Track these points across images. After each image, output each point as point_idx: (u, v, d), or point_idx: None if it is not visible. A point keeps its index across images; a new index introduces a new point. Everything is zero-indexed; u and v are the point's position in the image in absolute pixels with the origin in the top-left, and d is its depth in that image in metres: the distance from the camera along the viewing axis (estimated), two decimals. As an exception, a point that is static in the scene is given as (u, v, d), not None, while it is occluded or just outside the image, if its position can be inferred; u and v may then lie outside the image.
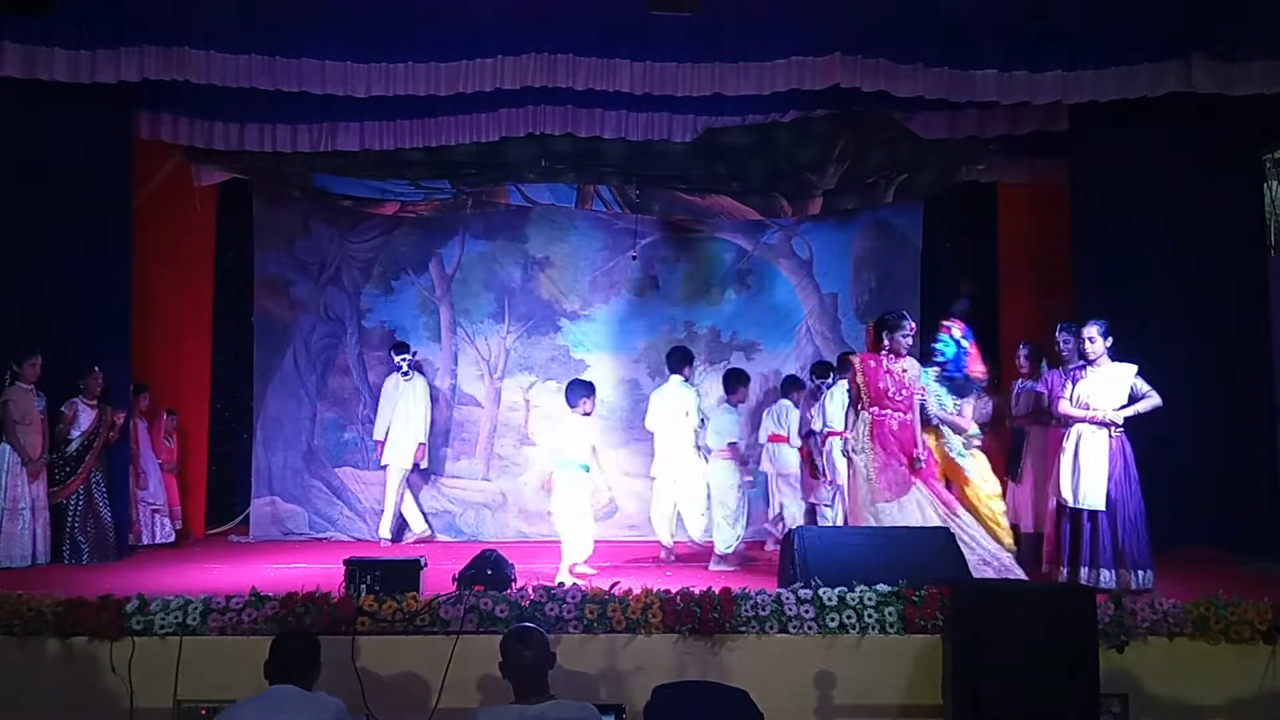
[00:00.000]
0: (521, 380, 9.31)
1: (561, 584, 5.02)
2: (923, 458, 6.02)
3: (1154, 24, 6.61)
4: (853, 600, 4.92)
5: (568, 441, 6.96)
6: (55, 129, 7.38)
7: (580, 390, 7.05)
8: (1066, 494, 6.00)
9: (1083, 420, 6.02)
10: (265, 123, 7.69)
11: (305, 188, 8.75)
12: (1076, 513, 5.96)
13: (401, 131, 7.66)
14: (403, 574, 5.15)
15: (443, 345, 9.32)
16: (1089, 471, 5.94)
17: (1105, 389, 6.03)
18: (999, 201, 9.10)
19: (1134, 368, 6.07)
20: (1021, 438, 7.50)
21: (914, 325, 6.28)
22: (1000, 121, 7.61)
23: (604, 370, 9.28)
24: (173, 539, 8.43)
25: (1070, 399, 6.11)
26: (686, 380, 7.59)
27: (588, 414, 7.01)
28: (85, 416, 7.46)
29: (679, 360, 7.62)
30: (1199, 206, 7.65)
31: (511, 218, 9.29)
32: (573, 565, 6.80)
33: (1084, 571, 5.87)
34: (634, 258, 9.24)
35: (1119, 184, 7.73)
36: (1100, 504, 5.88)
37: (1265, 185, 7.89)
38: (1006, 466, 7.71)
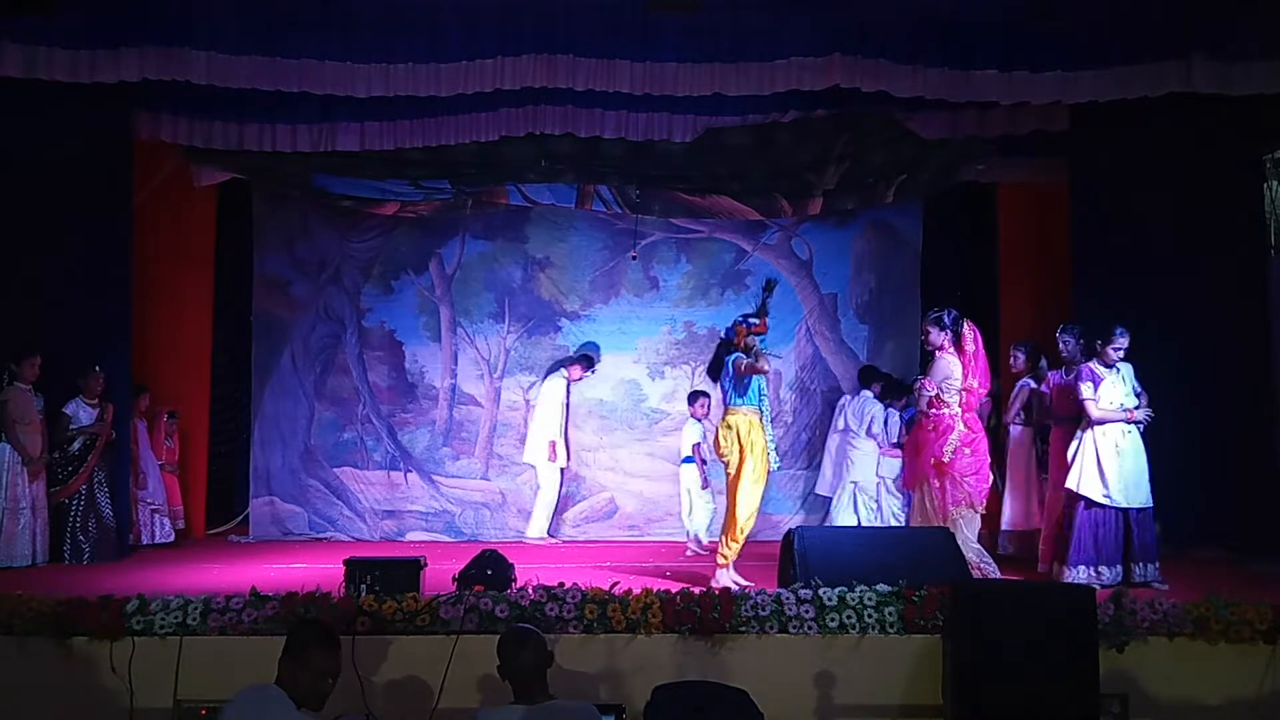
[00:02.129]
0: (521, 380, 9.29)
1: (561, 584, 5.02)
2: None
3: (1154, 24, 6.61)
4: (853, 600, 4.92)
5: (684, 440, 8.36)
6: (55, 129, 7.37)
7: (695, 396, 8.35)
8: (1116, 494, 6.04)
9: (1120, 420, 6.10)
10: (265, 123, 7.67)
11: (305, 188, 8.74)
12: (1120, 511, 6.05)
13: (401, 131, 7.64)
14: (403, 574, 5.16)
15: (443, 345, 9.30)
16: (1133, 469, 6.05)
17: (1126, 389, 6.16)
18: (999, 202, 9.08)
19: (1130, 368, 6.16)
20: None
21: (969, 327, 6.31)
22: (1000, 121, 7.59)
23: (604, 370, 9.28)
24: (173, 539, 8.42)
25: (1096, 400, 6.14)
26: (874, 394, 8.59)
27: (697, 418, 8.26)
28: (86, 417, 7.45)
29: (869, 377, 8.74)
30: (1199, 206, 7.65)
31: (511, 218, 9.28)
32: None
33: (1139, 568, 6.01)
34: (634, 258, 9.22)
35: (1119, 184, 7.73)
36: (1148, 500, 6.06)
37: (1265, 185, 7.88)
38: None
